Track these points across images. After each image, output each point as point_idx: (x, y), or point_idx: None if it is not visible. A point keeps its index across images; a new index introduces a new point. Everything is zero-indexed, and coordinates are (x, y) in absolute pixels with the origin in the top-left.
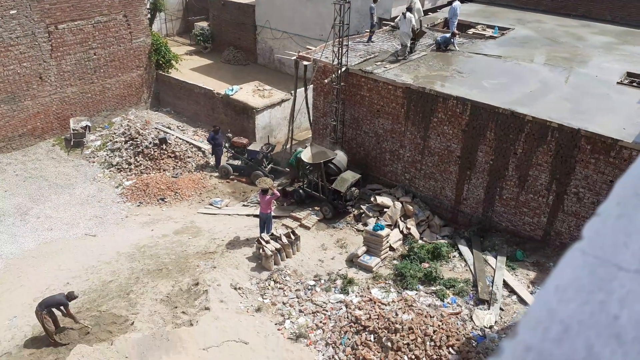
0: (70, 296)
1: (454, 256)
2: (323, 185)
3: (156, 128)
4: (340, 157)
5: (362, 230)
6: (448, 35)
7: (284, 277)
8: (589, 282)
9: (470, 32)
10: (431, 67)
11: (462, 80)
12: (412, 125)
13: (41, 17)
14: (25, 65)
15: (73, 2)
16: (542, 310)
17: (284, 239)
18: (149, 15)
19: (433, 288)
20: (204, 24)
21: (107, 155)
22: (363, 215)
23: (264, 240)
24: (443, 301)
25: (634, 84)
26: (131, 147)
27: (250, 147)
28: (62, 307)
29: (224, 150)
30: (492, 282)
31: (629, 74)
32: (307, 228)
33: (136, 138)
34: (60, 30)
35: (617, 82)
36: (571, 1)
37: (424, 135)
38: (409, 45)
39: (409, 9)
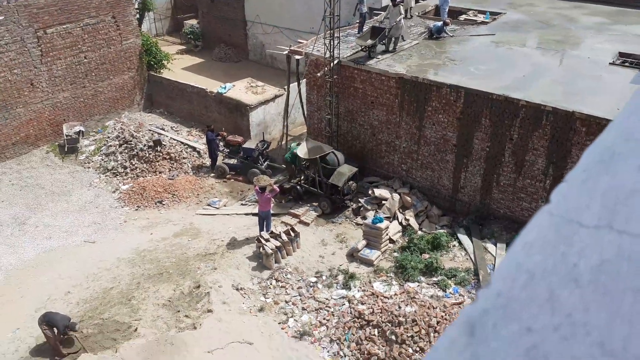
0: (72, 327)
1: (454, 245)
2: (320, 180)
3: (150, 130)
4: (331, 155)
5: (361, 224)
6: (440, 23)
7: (286, 275)
8: (553, 238)
9: (462, 19)
10: (423, 56)
11: (455, 67)
12: (407, 116)
13: (29, 22)
14: (16, 72)
15: (60, 4)
16: (511, 264)
17: (284, 237)
18: (137, 16)
19: (435, 279)
20: (194, 21)
21: (102, 159)
22: (361, 208)
23: (263, 238)
24: (445, 292)
25: (626, 63)
26: (126, 151)
27: (246, 145)
28: (55, 329)
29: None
30: (494, 270)
31: (621, 54)
32: (307, 224)
33: (130, 141)
34: (49, 35)
35: (610, 63)
36: None
37: (419, 125)
38: (400, 35)
39: (397, 4)
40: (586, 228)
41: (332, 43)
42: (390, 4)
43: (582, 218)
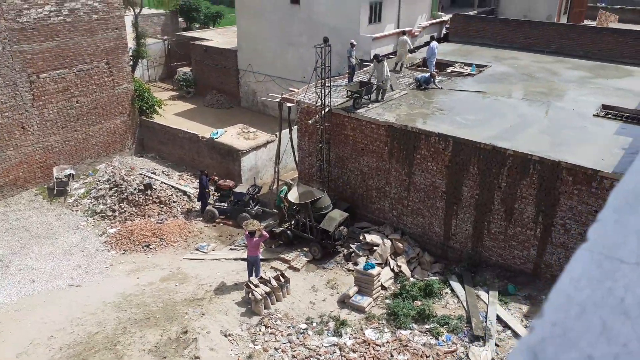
0: None
1: (446, 293)
2: (311, 225)
3: (141, 174)
4: (323, 199)
5: (353, 270)
6: (428, 75)
7: (275, 321)
8: (598, 273)
9: (449, 70)
10: (412, 106)
11: (443, 117)
12: (397, 163)
13: (23, 67)
14: (7, 115)
15: (55, 51)
16: (562, 297)
17: (274, 282)
18: (131, 62)
19: (427, 326)
20: (187, 69)
21: (91, 202)
22: (353, 254)
23: (252, 284)
24: (438, 339)
25: (610, 115)
26: (116, 194)
27: (237, 189)
28: None
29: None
30: (486, 318)
31: (604, 106)
32: (297, 270)
33: (121, 184)
34: (42, 80)
35: (594, 115)
36: (544, 39)
37: (409, 172)
38: (388, 86)
39: (380, 60)
40: (627, 264)
41: (323, 92)
42: (375, 61)
43: (621, 255)
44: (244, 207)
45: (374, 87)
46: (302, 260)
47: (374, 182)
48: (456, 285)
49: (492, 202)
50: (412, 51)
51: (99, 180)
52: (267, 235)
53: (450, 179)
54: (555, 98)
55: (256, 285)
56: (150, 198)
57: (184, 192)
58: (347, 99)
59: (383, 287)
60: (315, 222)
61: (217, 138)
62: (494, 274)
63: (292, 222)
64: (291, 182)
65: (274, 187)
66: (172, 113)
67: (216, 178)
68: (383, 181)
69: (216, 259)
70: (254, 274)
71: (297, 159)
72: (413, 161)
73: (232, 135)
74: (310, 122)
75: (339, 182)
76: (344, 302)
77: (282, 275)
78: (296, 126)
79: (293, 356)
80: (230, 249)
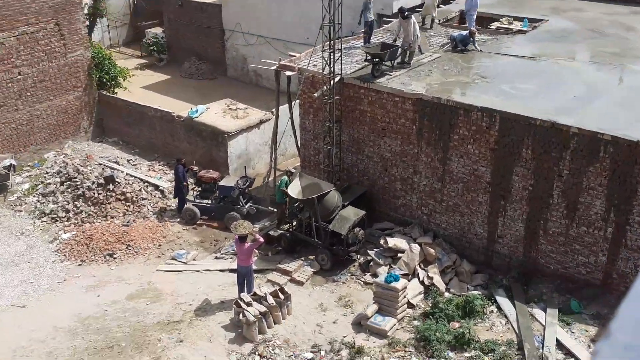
0: None
1: (492, 311)
2: (318, 226)
3: (101, 164)
4: (332, 194)
5: (372, 283)
6: (466, 32)
7: (273, 349)
8: None
9: (494, 27)
10: (447, 72)
11: (487, 86)
12: (428, 146)
13: None
14: None
15: None
16: (632, 318)
17: (271, 300)
18: (87, 23)
19: (467, 354)
20: (158, 30)
21: (38, 201)
22: (371, 263)
23: (244, 302)
24: None
25: None
26: (69, 190)
27: (223, 183)
28: None
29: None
30: (543, 343)
31: None
32: (300, 284)
33: (75, 178)
34: None
35: None
36: None
37: (443, 158)
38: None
39: (407, 16)
40: None
41: (332, 57)
42: (400, 16)
43: None
44: (233, 205)
45: (399, 50)
46: (307, 271)
47: (399, 172)
48: (504, 301)
49: (551, 194)
50: (445, 2)
51: (47, 173)
52: (262, 240)
53: (496, 166)
54: (631, 60)
55: (248, 304)
56: (113, 194)
57: (156, 187)
58: (364, 65)
59: (410, 305)
60: (323, 222)
61: (197, 117)
62: (552, 287)
63: (294, 223)
64: (293, 170)
65: (270, 178)
66: (139, 86)
67: (196, 168)
68: (410, 170)
69: (198, 271)
70: (245, 289)
71: (299, 142)
72: (448, 143)
73: (216, 114)
74: (315, 95)
75: (354, 172)
76: (360, 324)
77: (282, 290)
78: (298, 101)
79: None
80: (216, 257)
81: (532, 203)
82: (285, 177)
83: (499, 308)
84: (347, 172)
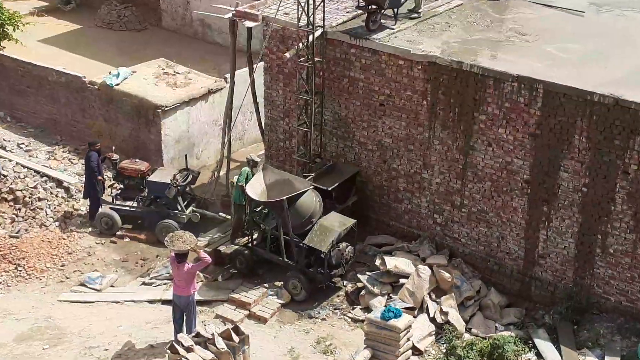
0: None
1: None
2: (289, 240)
3: None
4: (309, 194)
5: (363, 320)
6: None
7: None
8: None
9: None
10: (471, 26)
11: (527, 47)
12: (443, 129)
13: None
14: None
15: None
16: None
17: (221, 343)
18: None
19: None
20: None
21: None
22: (363, 292)
23: (182, 346)
24: None
25: None
26: None
27: (154, 178)
28: None
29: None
30: None
31: None
32: (263, 321)
33: None
34: None
35: None
36: None
37: (465, 146)
38: None
39: None
40: None
41: (311, 1)
42: None
43: None
44: (168, 209)
45: None
46: (272, 303)
47: (402, 165)
48: (546, 346)
49: (612, 198)
50: None
51: None
52: (208, 259)
53: (537, 158)
54: None
55: (189, 349)
56: None
57: (59, 182)
58: (356, 14)
59: (416, 351)
60: (297, 235)
61: (118, 85)
62: (613, 327)
63: (255, 236)
64: (258, 159)
65: (221, 172)
66: (37, 39)
67: (116, 156)
68: (418, 162)
69: (117, 302)
70: (185, 328)
71: (263, 122)
72: (472, 126)
73: (145, 80)
74: (287, 55)
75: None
76: None
77: (236, 330)
78: (262, 63)
79: None
80: (143, 283)
81: (586, 210)
82: (246, 169)
83: (539, 355)
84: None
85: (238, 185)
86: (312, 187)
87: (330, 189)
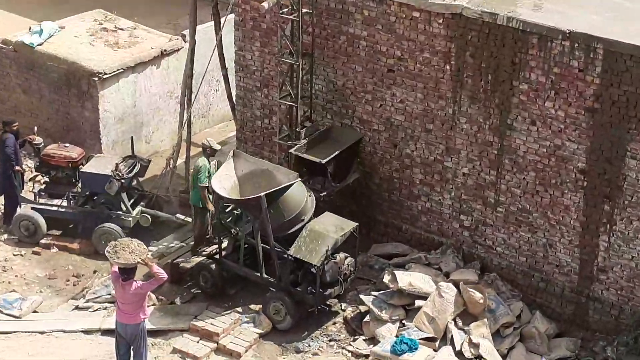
0: None
1: None
2: (269, 250)
3: None
4: (296, 189)
5: (367, 355)
6: None
7: None
8: None
9: None
10: None
11: None
12: (472, 103)
13: None
14: None
15: None
16: None
17: None
18: None
19: None
20: None
21: None
22: (367, 318)
23: None
24: None
25: None
26: None
27: (90, 168)
28: None
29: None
30: None
31: None
32: (236, 356)
33: None
34: None
35: None
36: None
37: (501, 125)
38: None
39: None
40: None
41: None
42: None
43: None
44: (109, 210)
45: None
46: (248, 333)
47: (419, 150)
48: None
49: None
50: None
51: None
52: (164, 275)
53: (597, 141)
54: None
55: None
56: None
57: None
58: None
59: None
60: (280, 243)
61: (41, 45)
62: None
63: (225, 245)
64: (215, 146)
65: (179, 161)
66: None
67: (39, 140)
68: (439, 146)
69: (42, 333)
70: None
71: (234, 94)
72: (510, 99)
73: (77, 38)
74: (265, 6)
75: None
76: None
77: None
78: (232, 16)
79: None
80: (77, 307)
81: None
82: (202, 161)
83: None
84: None
85: (198, 186)
86: (301, 179)
87: (324, 161)
